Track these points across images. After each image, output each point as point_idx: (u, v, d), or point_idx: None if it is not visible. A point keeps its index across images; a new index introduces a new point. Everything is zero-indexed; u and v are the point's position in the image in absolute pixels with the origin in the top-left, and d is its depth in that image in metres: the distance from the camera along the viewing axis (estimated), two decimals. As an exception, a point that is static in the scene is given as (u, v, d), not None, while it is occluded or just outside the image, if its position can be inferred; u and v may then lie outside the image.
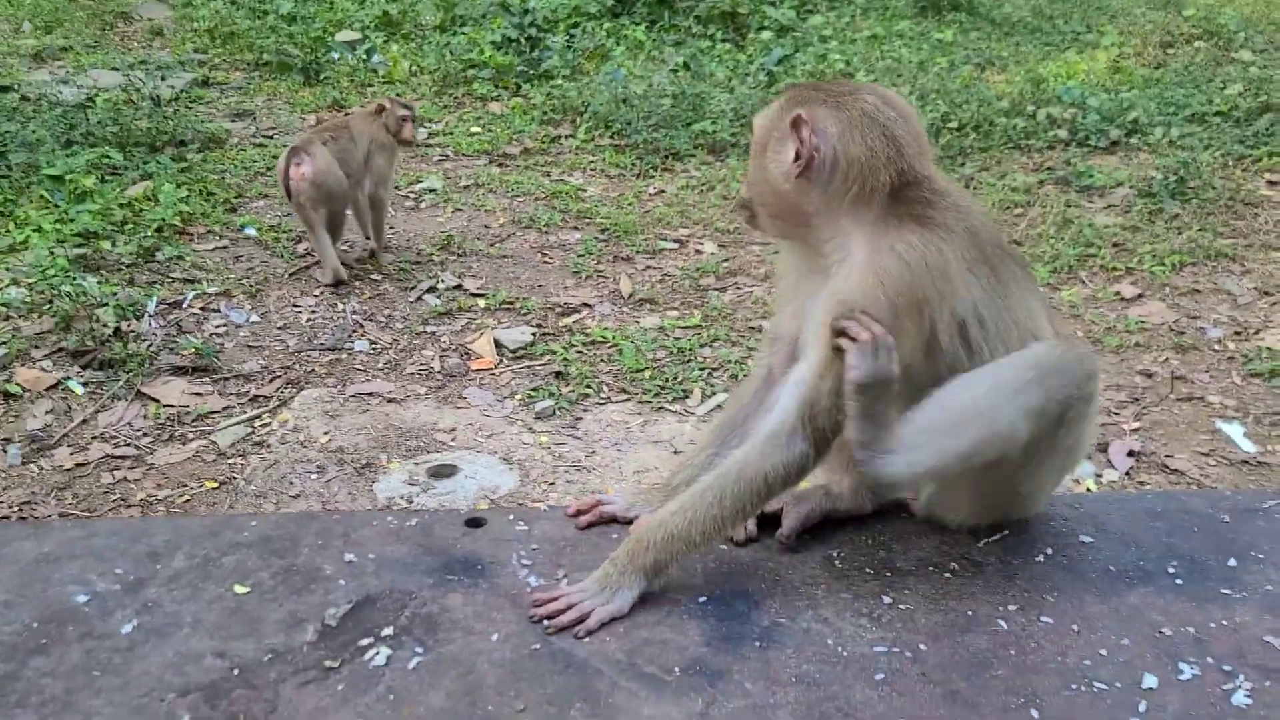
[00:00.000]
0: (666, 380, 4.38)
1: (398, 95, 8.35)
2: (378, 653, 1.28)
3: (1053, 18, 9.93)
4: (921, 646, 1.28)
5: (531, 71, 8.87)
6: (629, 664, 1.28)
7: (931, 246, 1.61)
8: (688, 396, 4.28)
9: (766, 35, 9.47)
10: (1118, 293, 5.06)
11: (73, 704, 1.19)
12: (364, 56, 9.34)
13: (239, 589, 1.39)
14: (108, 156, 6.18)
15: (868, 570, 1.41)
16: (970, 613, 1.33)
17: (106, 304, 4.63)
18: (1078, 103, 7.54)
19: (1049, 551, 1.44)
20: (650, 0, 10.22)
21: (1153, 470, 3.74)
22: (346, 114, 6.15)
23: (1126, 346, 4.59)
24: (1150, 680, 1.21)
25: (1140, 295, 5.03)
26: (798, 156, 1.69)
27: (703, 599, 1.38)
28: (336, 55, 9.45)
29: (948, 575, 1.40)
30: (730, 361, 4.52)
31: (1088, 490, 3.60)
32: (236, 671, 1.26)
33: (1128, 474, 3.73)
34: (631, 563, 1.55)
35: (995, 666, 1.26)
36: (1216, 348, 4.58)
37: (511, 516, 1.58)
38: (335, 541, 1.47)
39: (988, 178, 6.57)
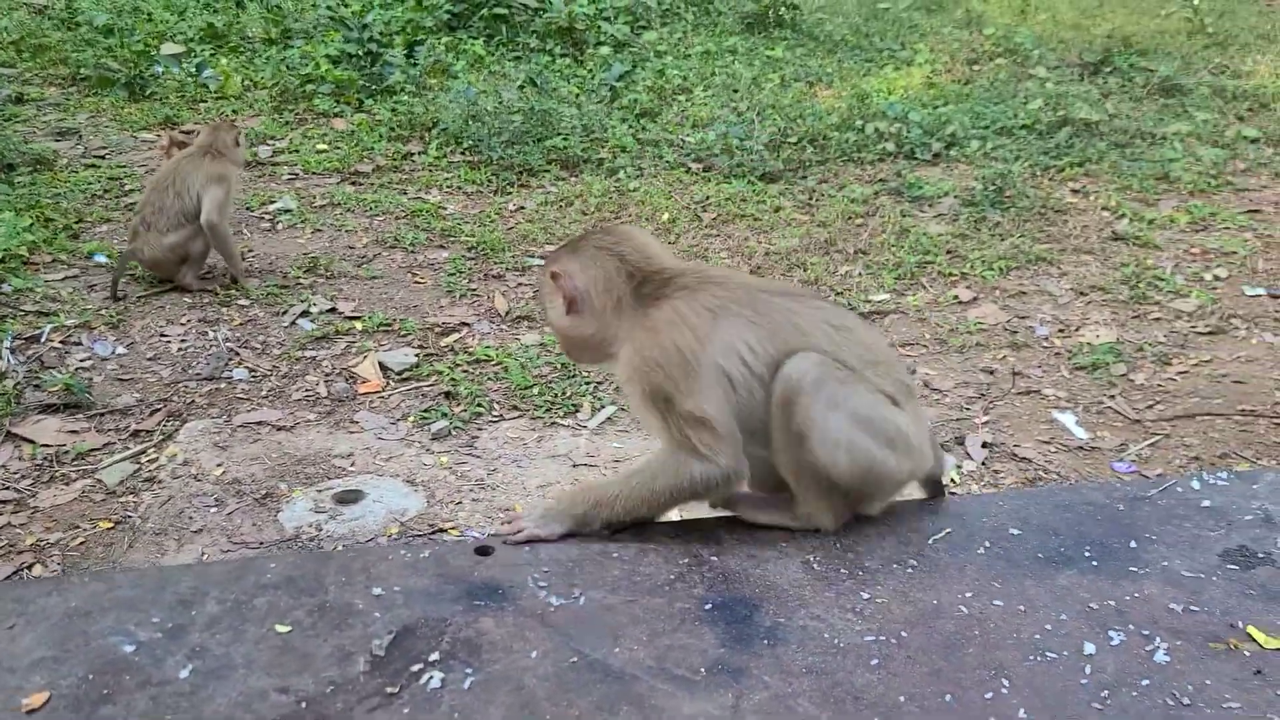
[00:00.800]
0: (556, 396, 4.53)
1: (223, 115, 8.15)
2: (431, 676, 1.40)
3: (870, 36, 10.56)
4: (903, 634, 1.50)
5: (374, 87, 8.82)
6: (659, 668, 1.45)
7: (670, 313, 2.03)
8: (578, 411, 4.45)
9: (605, 51, 9.70)
10: (956, 296, 5.51)
11: (156, 749, 1.26)
12: (193, 71, 9.06)
13: (280, 628, 1.46)
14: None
15: (842, 571, 1.62)
16: (935, 602, 1.56)
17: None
18: (900, 117, 8.09)
19: (987, 544, 1.69)
20: (487, 16, 10.29)
21: (1004, 459, 4.15)
22: (175, 145, 5.91)
23: (969, 346, 5.03)
24: (1090, 648, 1.46)
25: (976, 298, 5.50)
26: (565, 298, 2.18)
27: (709, 606, 1.56)
28: (161, 69, 9.12)
29: (910, 570, 1.62)
30: (612, 375, 4.71)
31: (953, 480, 3.97)
32: (304, 704, 1.34)
33: (984, 464, 4.13)
34: (569, 509, 1.96)
35: (965, 646, 1.49)
36: (1045, 344, 5.07)
37: (515, 547, 1.73)
38: (358, 577, 1.56)
39: (828, 189, 7.00)
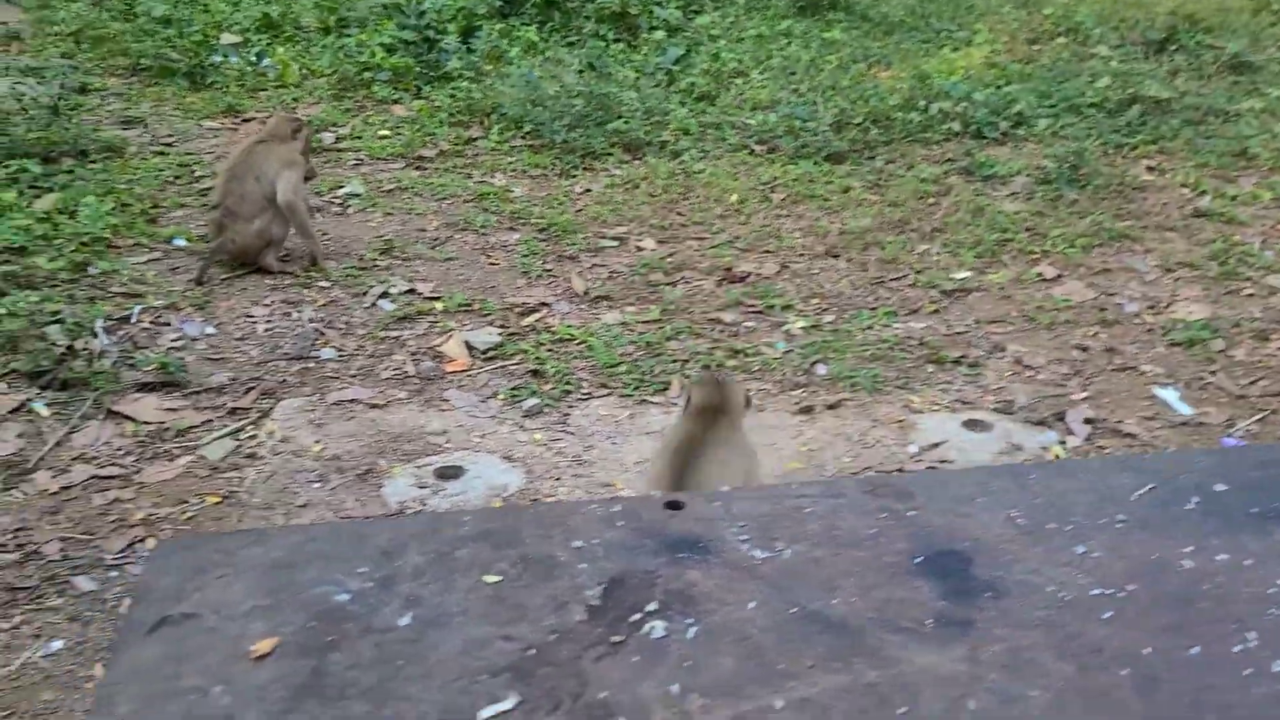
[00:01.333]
0: (643, 374, 4.49)
1: (285, 106, 8.14)
2: (653, 626, 1.36)
3: (926, 16, 10.44)
4: (1129, 587, 1.46)
5: (431, 74, 8.82)
6: (882, 620, 1.41)
7: None
8: (667, 388, 4.40)
9: (659, 35, 9.63)
10: (1039, 274, 5.42)
11: (395, 691, 1.23)
12: (253, 60, 9.09)
13: (488, 579, 1.43)
14: (26, 170, 5.89)
15: (1049, 526, 1.58)
16: (1154, 556, 1.51)
17: (60, 320, 4.45)
18: (964, 97, 7.99)
19: (1196, 499, 1.64)
20: (539, 1, 10.25)
21: (1108, 435, 4.08)
22: (256, 134, 5.81)
23: (1058, 324, 4.95)
24: (1333, 601, 1.42)
25: (1059, 276, 5.41)
26: None
27: (917, 560, 1.52)
28: (220, 58, 9.16)
29: (1120, 526, 1.58)
30: (698, 354, 4.67)
31: (1056, 456, 3.90)
32: (532, 651, 1.32)
33: (1088, 440, 4.05)
34: None
35: (1197, 600, 1.44)
36: (1136, 321, 4.98)
37: (704, 499, 1.70)
38: (554, 531, 1.53)
39: (896, 169, 6.92)
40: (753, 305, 5.13)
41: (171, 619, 1.36)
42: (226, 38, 9.61)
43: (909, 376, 4.49)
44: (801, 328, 4.90)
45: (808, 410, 4.23)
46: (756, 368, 4.55)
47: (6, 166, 5.99)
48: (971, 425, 4.08)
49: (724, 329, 4.91)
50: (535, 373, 4.50)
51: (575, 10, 10.17)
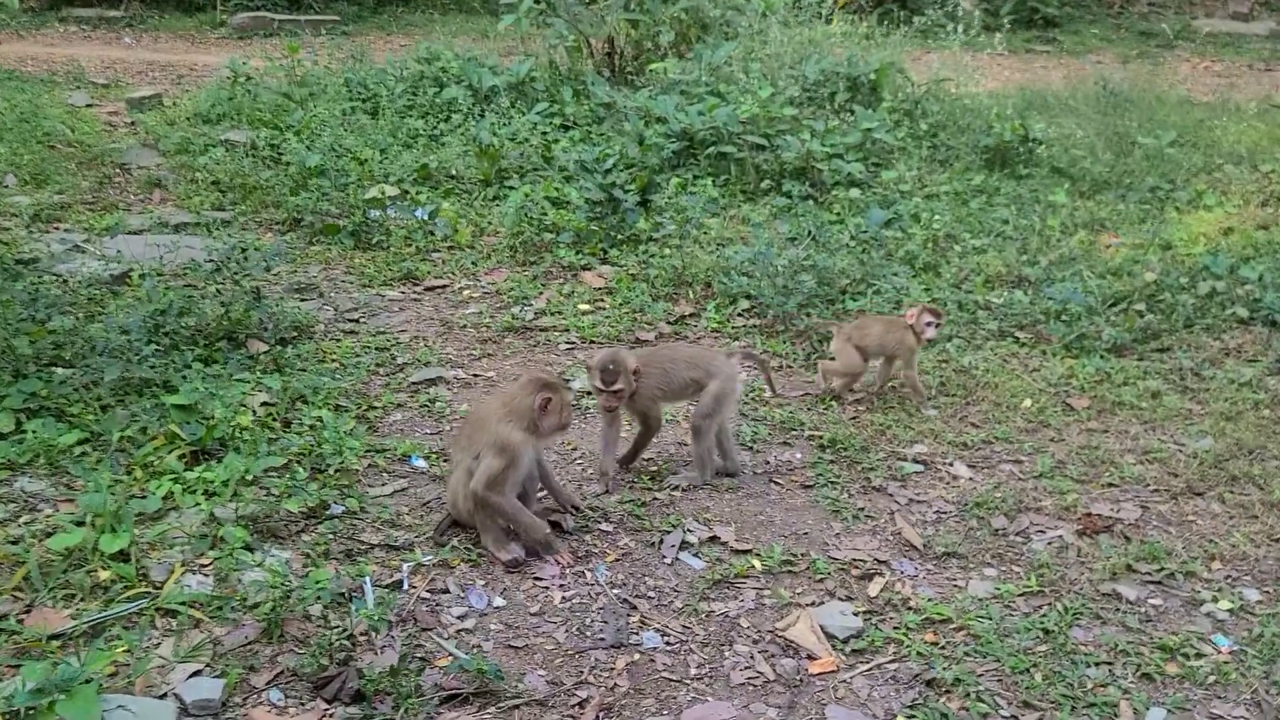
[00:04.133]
0: (1071, 688, 3.49)
1: (469, 272, 7.36)
2: None
3: (1132, 173, 9.60)
4: None
5: (617, 235, 8.08)
6: None
7: None
8: (1118, 717, 3.39)
9: (855, 193, 8.86)
10: None
11: None
12: (426, 217, 8.39)
13: None
14: (261, 381, 5.08)
15: None
16: None
17: (323, 589, 3.55)
18: (1228, 273, 7.09)
19: None
20: (711, 154, 9.56)
21: None
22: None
23: None
24: None
25: None
26: None
27: None
28: (390, 213, 8.47)
29: None
30: (1119, 650, 3.67)
31: None
32: None
33: None
34: None
35: None
36: None
37: None
38: None
39: (1199, 366, 5.98)
40: (1142, 570, 4.15)
41: None
42: (384, 190, 8.91)
43: None
44: (1228, 610, 3.90)
45: (1325, 759, 3.20)
46: (1209, 677, 3.54)
47: (210, 352, 5.22)
48: None
49: (1128, 609, 3.91)
50: (929, 682, 3.51)
51: (745, 161, 9.44)
